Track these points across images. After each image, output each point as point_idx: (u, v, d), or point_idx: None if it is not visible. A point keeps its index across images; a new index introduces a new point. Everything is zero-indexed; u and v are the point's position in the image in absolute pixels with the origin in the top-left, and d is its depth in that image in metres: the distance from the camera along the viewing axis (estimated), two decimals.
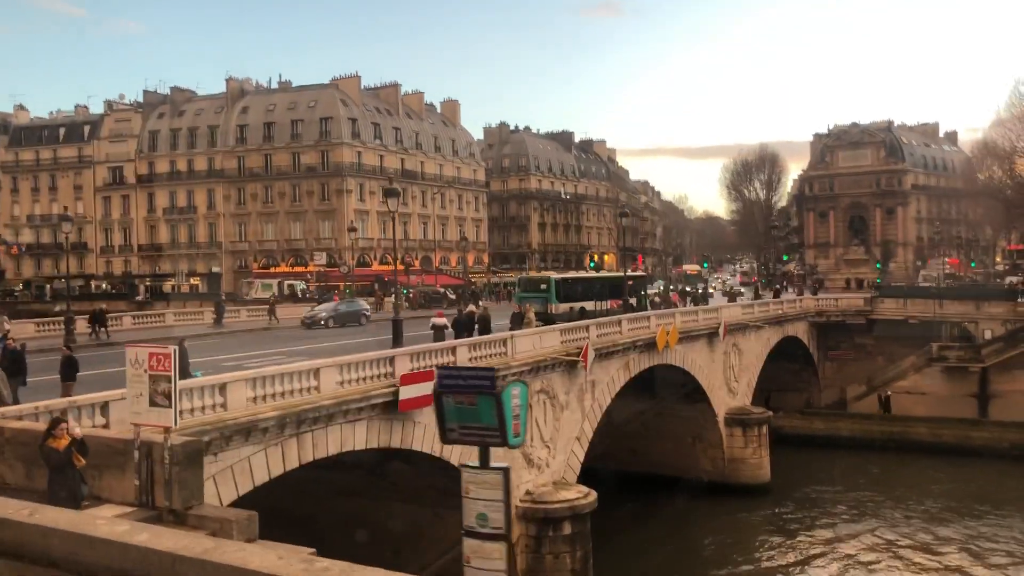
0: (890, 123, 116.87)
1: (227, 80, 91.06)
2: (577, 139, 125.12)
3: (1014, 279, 68.86)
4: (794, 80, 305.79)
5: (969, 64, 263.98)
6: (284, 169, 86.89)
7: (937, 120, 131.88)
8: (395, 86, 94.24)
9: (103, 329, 39.31)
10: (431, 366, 20.56)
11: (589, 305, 44.19)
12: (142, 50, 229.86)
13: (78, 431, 11.32)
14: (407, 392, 19.65)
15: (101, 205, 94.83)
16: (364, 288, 73.09)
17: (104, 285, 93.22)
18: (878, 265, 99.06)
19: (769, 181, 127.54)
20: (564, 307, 42.37)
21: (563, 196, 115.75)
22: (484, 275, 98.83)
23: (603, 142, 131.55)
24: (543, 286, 44.89)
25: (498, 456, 9.88)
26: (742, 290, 78.38)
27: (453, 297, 76.55)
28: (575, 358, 26.83)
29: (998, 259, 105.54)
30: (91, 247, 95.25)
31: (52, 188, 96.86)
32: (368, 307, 50.13)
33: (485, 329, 28.89)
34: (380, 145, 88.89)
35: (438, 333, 27.81)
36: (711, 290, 78.71)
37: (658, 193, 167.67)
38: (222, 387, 16.82)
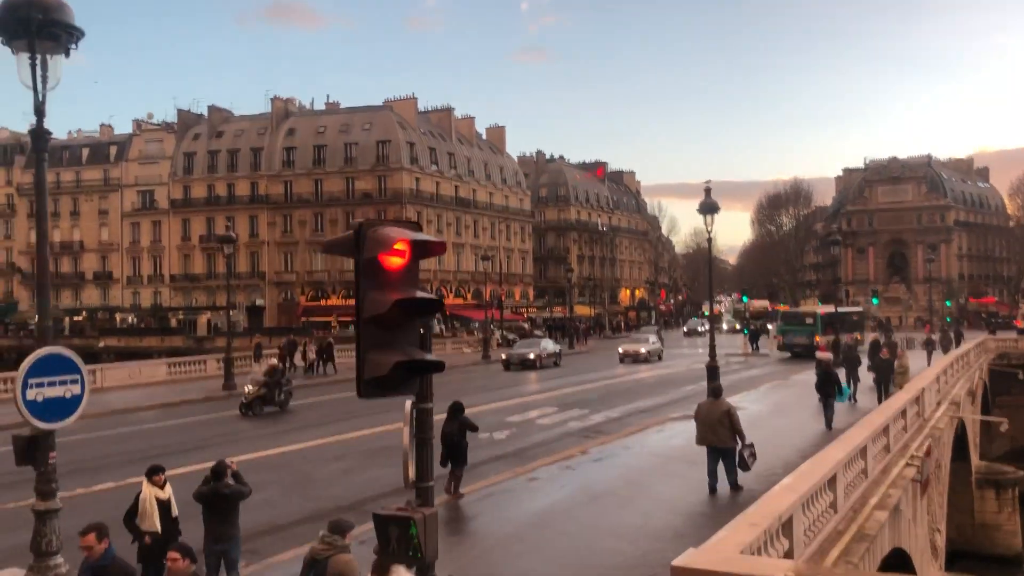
0: (929, 157, 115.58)
1: (272, 100, 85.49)
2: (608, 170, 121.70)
3: None
4: (808, 118, 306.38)
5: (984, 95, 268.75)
6: (336, 195, 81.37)
7: (971, 155, 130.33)
8: (448, 110, 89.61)
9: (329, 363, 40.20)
10: None
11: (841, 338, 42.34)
12: (164, 70, 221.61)
13: None
14: None
15: (129, 231, 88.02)
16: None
17: (131, 318, 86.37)
18: (948, 302, 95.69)
19: (799, 215, 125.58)
20: (825, 339, 42.38)
21: (600, 228, 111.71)
22: (527, 309, 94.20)
23: (632, 173, 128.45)
24: (809, 320, 48.32)
25: None
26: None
27: (540, 333, 71.75)
28: None
29: None
30: (116, 277, 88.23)
31: (74, 212, 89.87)
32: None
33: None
34: (437, 171, 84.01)
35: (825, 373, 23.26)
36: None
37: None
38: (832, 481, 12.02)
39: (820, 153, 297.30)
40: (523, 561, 11.26)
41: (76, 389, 7.70)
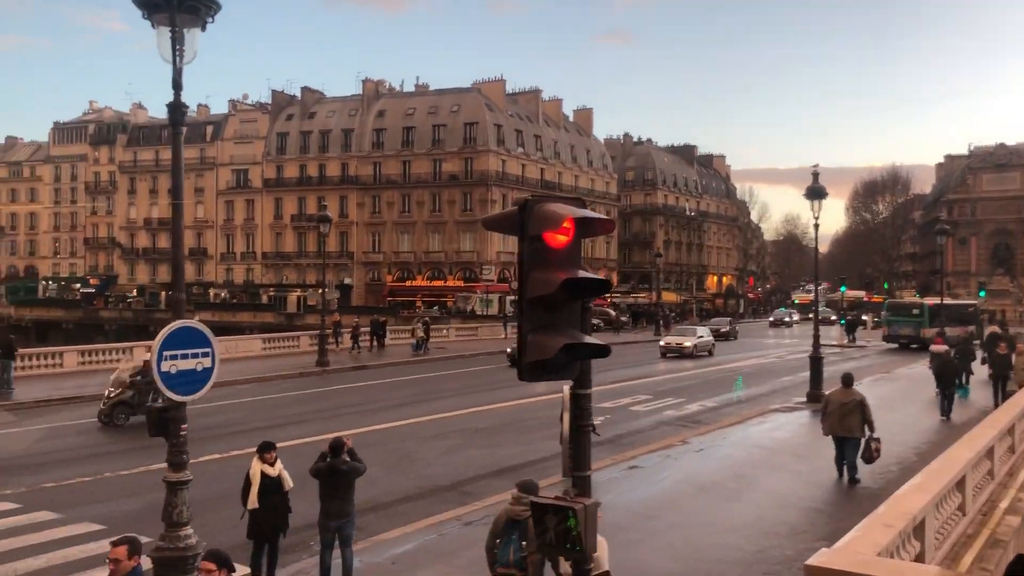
0: None
1: (363, 81, 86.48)
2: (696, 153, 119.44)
3: None
4: (906, 101, 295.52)
5: None
6: (424, 177, 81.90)
7: None
8: (535, 92, 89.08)
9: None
10: None
11: (949, 330, 40.47)
12: (259, 52, 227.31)
13: None
14: None
15: (224, 209, 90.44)
16: None
17: (224, 294, 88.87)
18: None
19: (896, 203, 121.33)
20: (931, 331, 40.15)
21: (688, 212, 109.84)
22: (611, 295, 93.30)
23: (722, 157, 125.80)
24: (915, 311, 47.61)
25: None
26: None
27: (625, 319, 71.10)
28: None
29: None
30: (211, 253, 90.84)
31: (171, 189, 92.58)
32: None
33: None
34: (523, 153, 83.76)
35: (944, 365, 22.35)
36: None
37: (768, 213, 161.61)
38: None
39: (919, 139, 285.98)
40: (633, 552, 10.98)
41: (207, 362, 7.74)
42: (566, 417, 4.81)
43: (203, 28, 7.65)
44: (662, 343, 44.45)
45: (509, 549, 7.03)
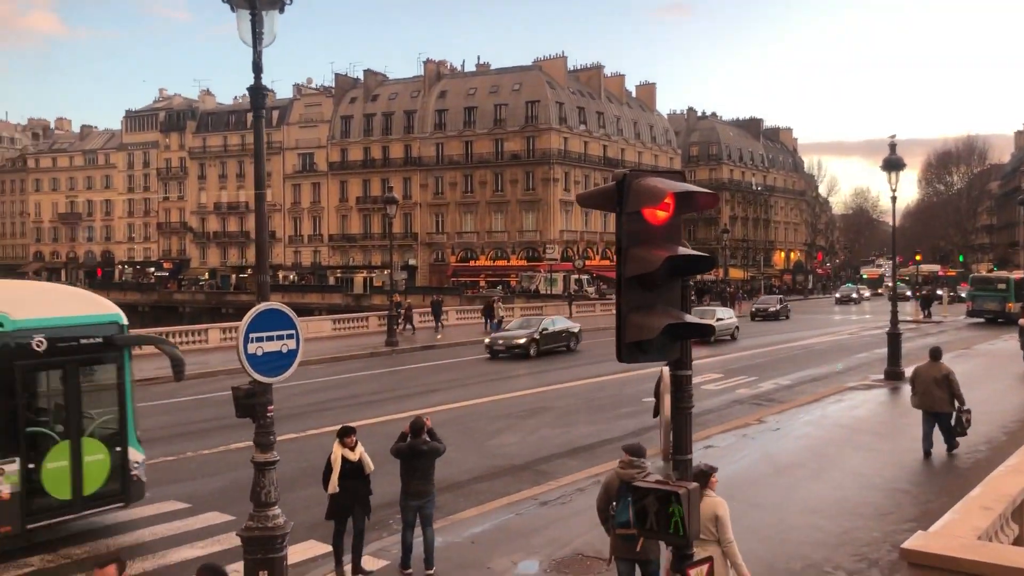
0: None
1: (424, 63, 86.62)
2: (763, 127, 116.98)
3: None
4: (982, 67, 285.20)
5: None
6: (486, 156, 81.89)
7: None
8: (598, 69, 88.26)
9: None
10: None
11: None
12: (322, 34, 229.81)
13: None
14: None
15: (291, 192, 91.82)
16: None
17: (292, 276, 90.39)
18: None
19: (971, 174, 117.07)
20: (1017, 306, 40.23)
21: (754, 187, 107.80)
22: None
23: (789, 130, 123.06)
24: (1001, 285, 47.22)
25: None
26: None
27: (692, 298, 70.00)
28: None
29: None
30: (279, 236, 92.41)
31: (239, 175, 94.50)
32: None
33: None
34: (585, 131, 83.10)
35: None
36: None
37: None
38: None
39: (997, 107, 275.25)
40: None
41: (292, 344, 7.78)
42: (666, 399, 4.66)
43: (281, 10, 7.64)
44: None
45: (628, 509, 7.10)
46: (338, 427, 10.20)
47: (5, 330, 10.41)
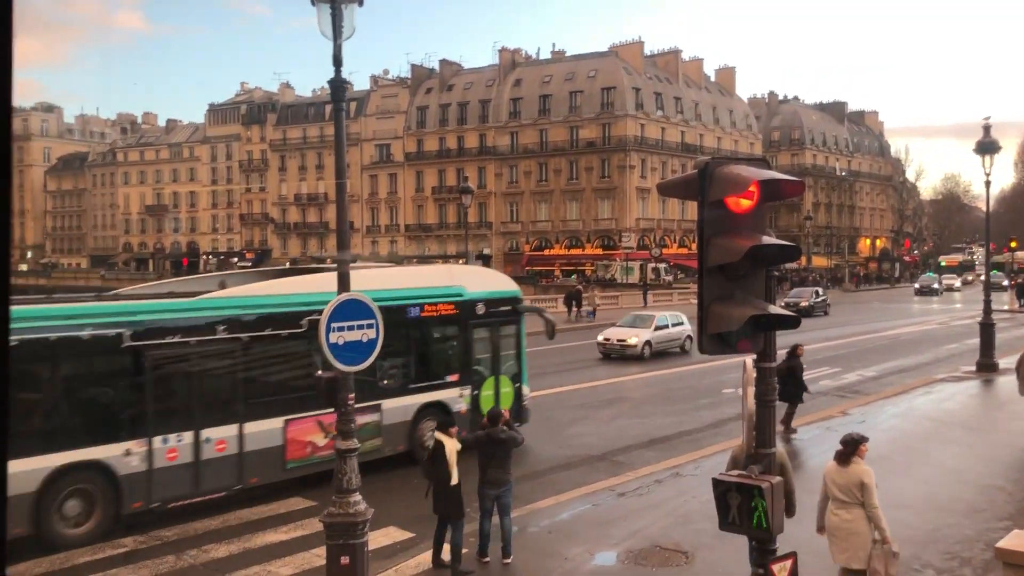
0: None
1: (499, 51, 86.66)
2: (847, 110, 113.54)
3: None
4: None
5: None
6: (560, 144, 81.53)
7: None
8: (675, 53, 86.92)
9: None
10: None
11: None
12: (397, 25, 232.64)
13: None
14: None
15: (368, 183, 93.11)
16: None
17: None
18: None
19: None
20: None
21: (838, 172, 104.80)
22: None
23: (875, 113, 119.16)
24: None
25: None
26: None
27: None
28: None
29: None
30: (356, 227, 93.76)
31: (319, 166, 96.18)
32: None
33: None
34: (662, 117, 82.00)
35: None
36: None
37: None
38: None
39: None
40: (802, 527, 10.58)
41: (372, 333, 7.87)
42: (750, 392, 4.56)
43: (360, 3, 7.71)
44: (600, 338, 30.52)
45: None
46: None
47: (464, 299, 15.05)
